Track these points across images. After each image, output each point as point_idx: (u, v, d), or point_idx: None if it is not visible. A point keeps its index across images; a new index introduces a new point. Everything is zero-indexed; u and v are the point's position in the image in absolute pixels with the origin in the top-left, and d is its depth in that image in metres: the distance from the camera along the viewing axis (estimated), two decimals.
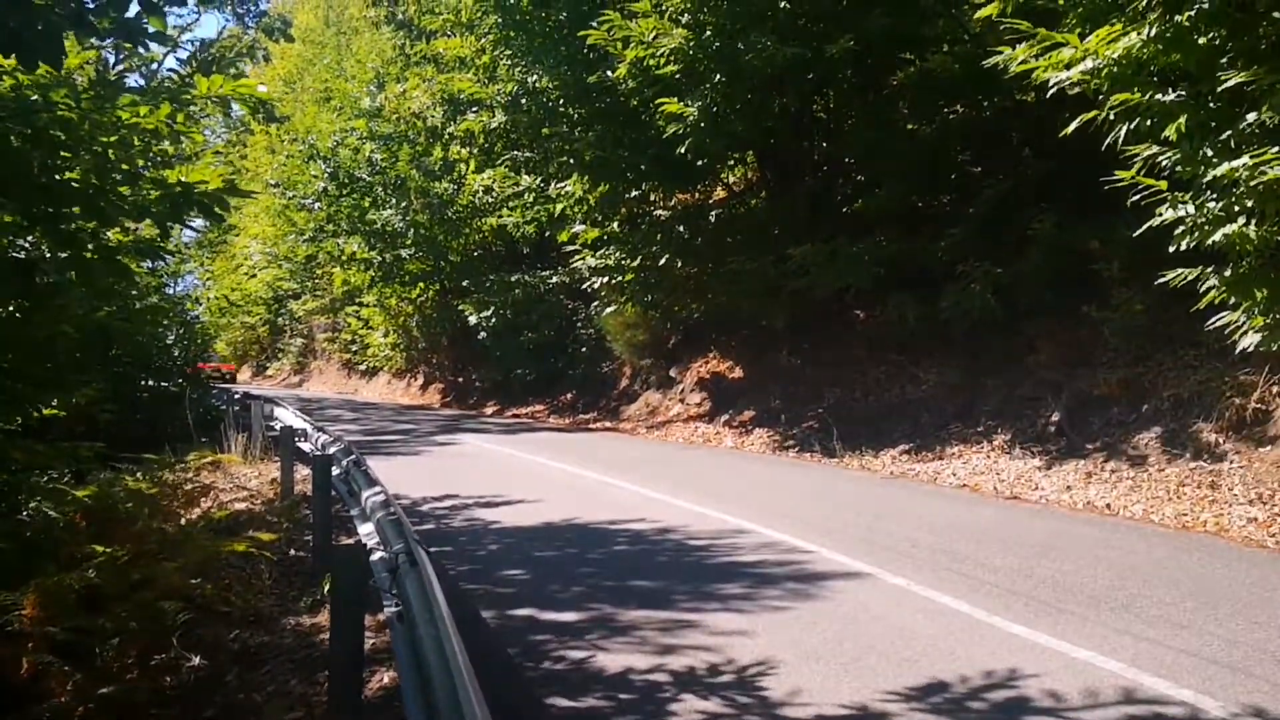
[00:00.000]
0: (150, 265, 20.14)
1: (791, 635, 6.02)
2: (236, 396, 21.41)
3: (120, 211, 5.57)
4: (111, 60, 7.45)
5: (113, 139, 6.19)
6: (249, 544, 7.47)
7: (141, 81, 6.74)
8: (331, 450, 10.37)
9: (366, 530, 6.82)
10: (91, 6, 4.83)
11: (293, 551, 9.27)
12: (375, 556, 5.74)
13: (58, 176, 5.36)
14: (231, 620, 7.23)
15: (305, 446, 11.85)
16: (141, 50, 6.67)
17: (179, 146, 8.84)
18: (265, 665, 6.38)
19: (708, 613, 6.61)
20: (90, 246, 5.58)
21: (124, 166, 5.99)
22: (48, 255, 5.80)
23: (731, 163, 20.56)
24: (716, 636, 6.07)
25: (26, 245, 6.56)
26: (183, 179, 5.87)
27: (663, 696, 5.17)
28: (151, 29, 4.91)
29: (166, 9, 5.44)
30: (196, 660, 6.34)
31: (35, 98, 5.93)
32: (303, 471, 11.79)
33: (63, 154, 5.88)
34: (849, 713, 4.81)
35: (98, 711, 5.68)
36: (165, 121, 6.48)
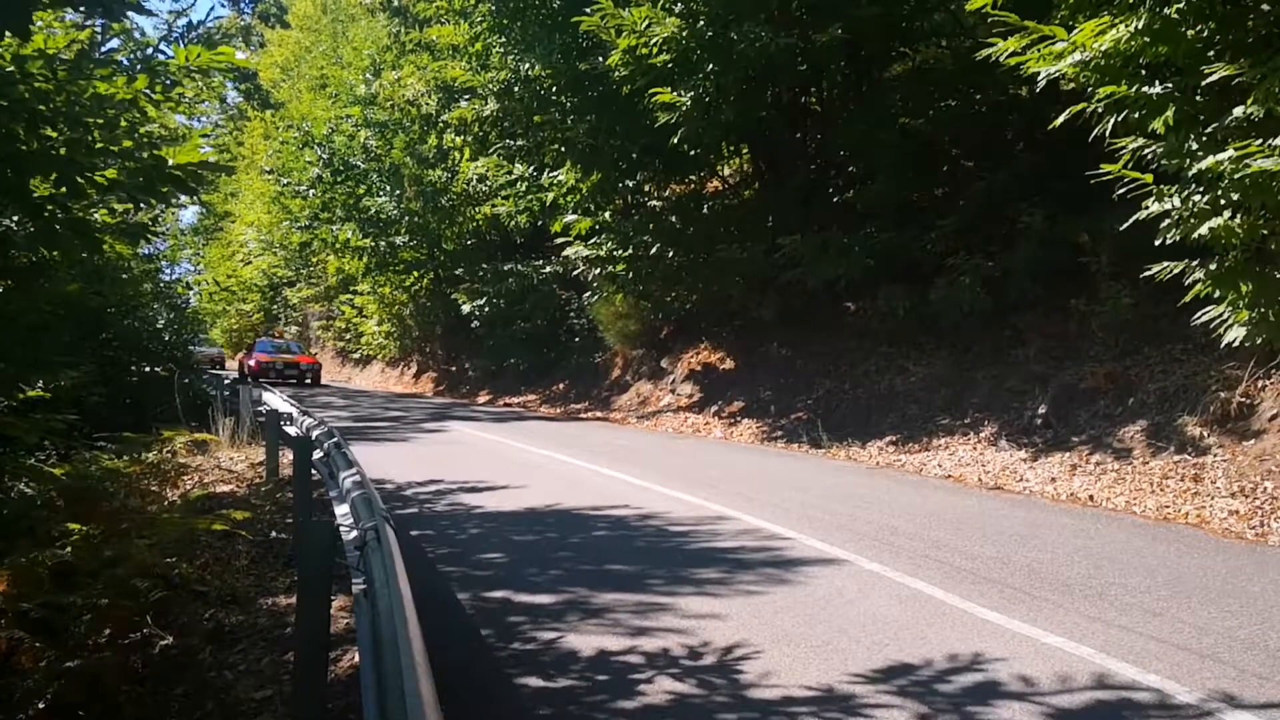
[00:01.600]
0: (145, 251, 20.13)
1: (764, 619, 6.01)
2: (227, 382, 21.37)
3: (91, 183, 5.53)
4: (99, 40, 7.37)
5: (91, 113, 6.15)
6: (223, 522, 7.43)
7: (127, 61, 6.65)
8: (315, 434, 10.36)
9: (343, 511, 6.81)
10: None
11: (274, 534, 9.24)
12: (348, 536, 5.74)
13: (27, 146, 5.32)
14: (208, 600, 7.21)
15: (291, 430, 11.83)
16: (123, 20, 6.66)
17: (164, 123, 8.81)
18: (239, 644, 6.36)
19: (682, 596, 6.60)
20: (61, 217, 5.54)
21: (98, 143, 5.94)
22: (17, 228, 5.76)
23: (726, 154, 20.54)
24: (690, 619, 6.05)
25: (10, 224, 6.54)
26: (155, 153, 5.82)
27: (634, 677, 5.15)
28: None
29: None
30: (170, 639, 6.31)
31: (11, 69, 5.90)
32: (288, 455, 11.76)
33: (41, 129, 5.85)
34: (817, 694, 4.80)
35: (68, 687, 5.66)
36: (143, 93, 6.43)
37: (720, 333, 21.43)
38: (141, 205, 6.73)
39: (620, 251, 19.56)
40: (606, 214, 20.60)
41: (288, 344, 40.55)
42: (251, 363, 35.66)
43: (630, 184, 20.51)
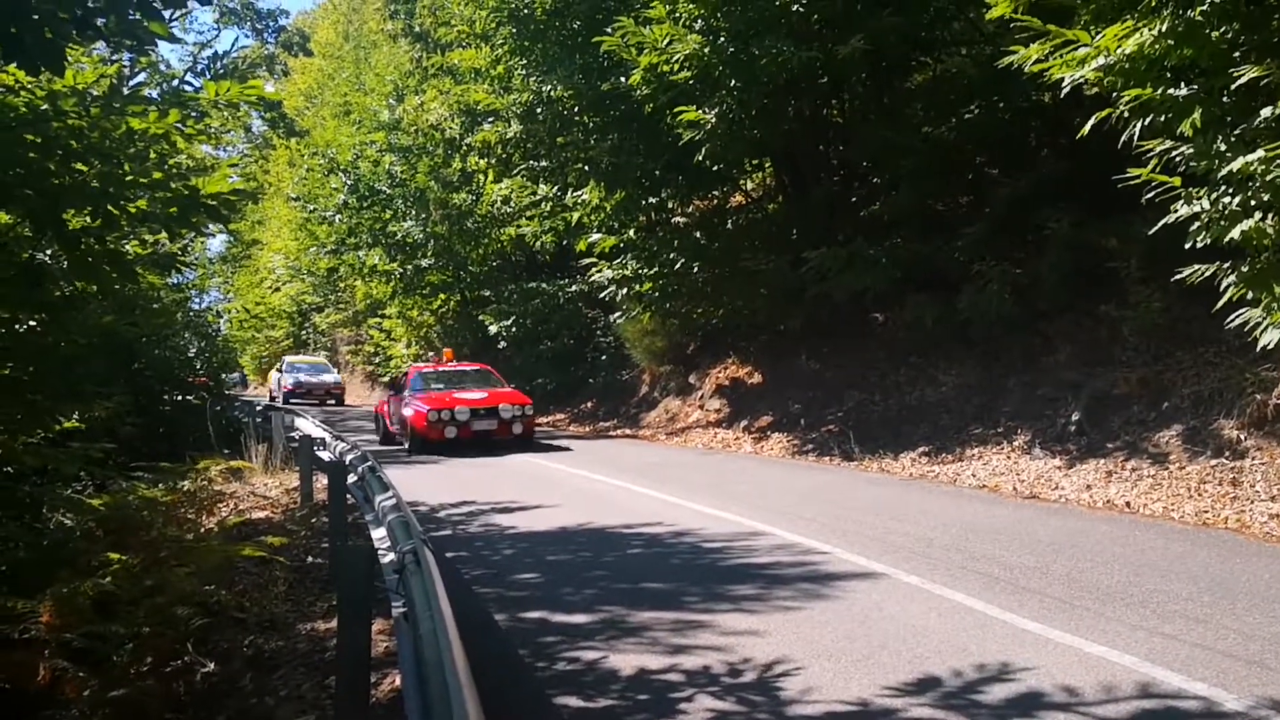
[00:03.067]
0: (175, 281, 20.34)
1: (803, 634, 5.99)
2: (259, 408, 21.52)
3: (125, 214, 5.60)
4: (127, 73, 7.48)
5: (123, 147, 6.24)
6: (260, 548, 7.49)
7: (156, 94, 6.76)
8: (348, 458, 10.43)
9: (379, 535, 6.85)
10: (92, 6, 4.85)
11: (310, 559, 9.30)
12: (386, 559, 5.77)
13: (63, 180, 5.40)
14: (247, 626, 7.25)
15: (324, 455, 11.90)
16: (150, 53, 6.75)
17: (190, 153, 8.92)
18: (279, 670, 6.39)
19: (720, 613, 6.59)
20: (96, 249, 5.62)
21: (129, 176, 6.02)
22: (51, 260, 5.84)
23: (749, 169, 20.54)
24: (728, 636, 6.04)
25: (45, 257, 6.64)
26: (187, 183, 5.90)
27: (674, 696, 5.15)
28: (154, 31, 4.92)
29: (172, 17, 5.49)
30: (211, 666, 6.35)
31: (45, 107, 5.99)
32: (322, 481, 11.83)
33: (74, 164, 5.93)
34: (860, 709, 4.78)
35: (112, 715, 5.71)
36: (175, 127, 6.52)
37: (747, 347, 21.39)
38: (175, 236, 6.81)
39: (645, 270, 19.58)
40: (631, 231, 20.63)
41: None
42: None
43: (654, 201, 20.51)
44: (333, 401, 37.45)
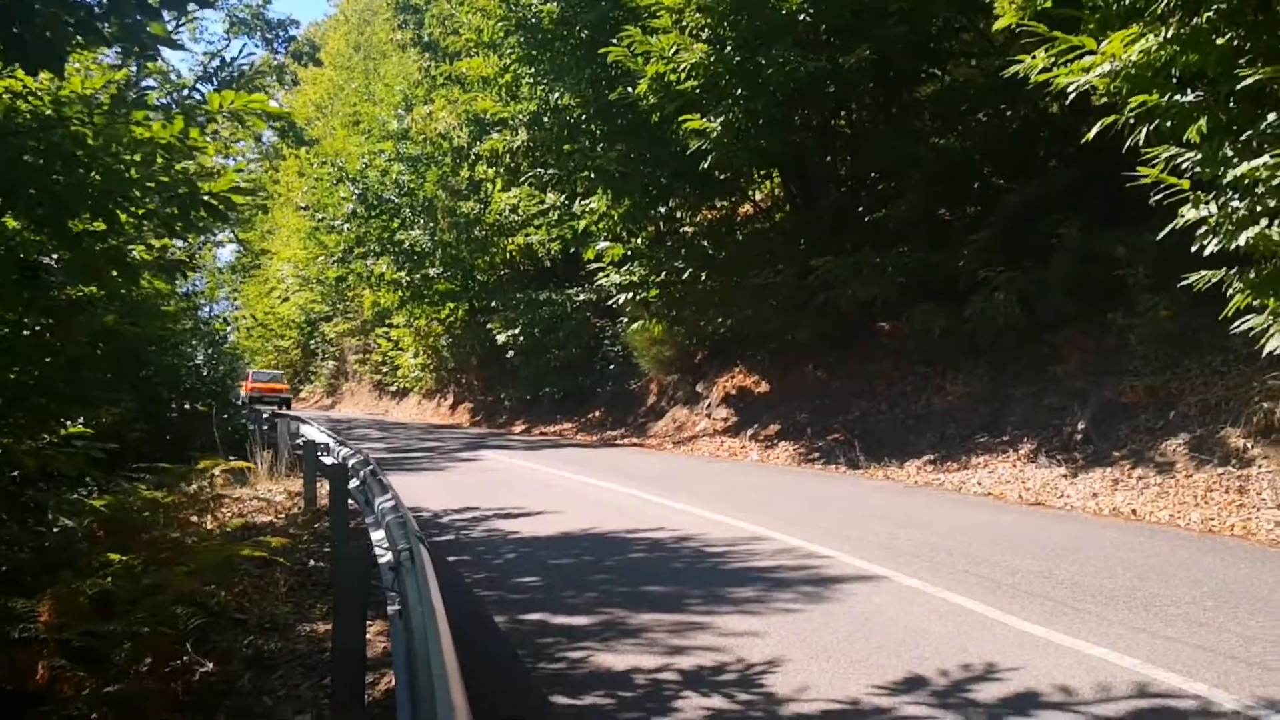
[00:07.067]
0: (184, 290, 20.41)
1: (802, 635, 5.97)
2: (265, 416, 21.56)
3: (126, 212, 5.62)
4: (134, 81, 7.51)
5: (129, 155, 6.25)
6: (260, 548, 7.49)
7: (164, 103, 6.80)
8: (351, 463, 10.42)
9: (379, 536, 6.83)
10: (96, 10, 4.88)
11: (312, 562, 9.29)
12: (383, 559, 5.75)
13: (66, 180, 5.42)
14: (247, 627, 7.24)
15: (328, 460, 11.89)
16: (155, 59, 6.79)
17: (201, 162, 8.94)
18: (278, 670, 6.38)
19: (720, 615, 6.56)
20: (98, 249, 5.63)
21: (134, 176, 6.03)
22: (56, 263, 5.86)
23: (757, 179, 20.54)
24: (727, 637, 6.01)
25: (50, 261, 6.66)
26: (187, 179, 5.92)
27: (669, 694, 5.13)
28: (155, 34, 4.95)
29: (178, 24, 5.52)
30: (210, 666, 6.35)
31: (50, 113, 6.01)
32: (326, 486, 11.83)
33: (78, 170, 5.95)
34: (855, 707, 4.75)
35: (110, 714, 5.71)
36: (178, 136, 6.54)
37: (755, 356, 21.37)
38: (179, 240, 6.84)
39: (653, 278, 19.59)
40: (639, 240, 20.65)
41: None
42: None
43: (662, 210, 20.54)
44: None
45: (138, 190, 6.11)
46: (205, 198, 5.86)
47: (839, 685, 5.04)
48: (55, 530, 7.69)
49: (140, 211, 5.94)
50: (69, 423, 7.61)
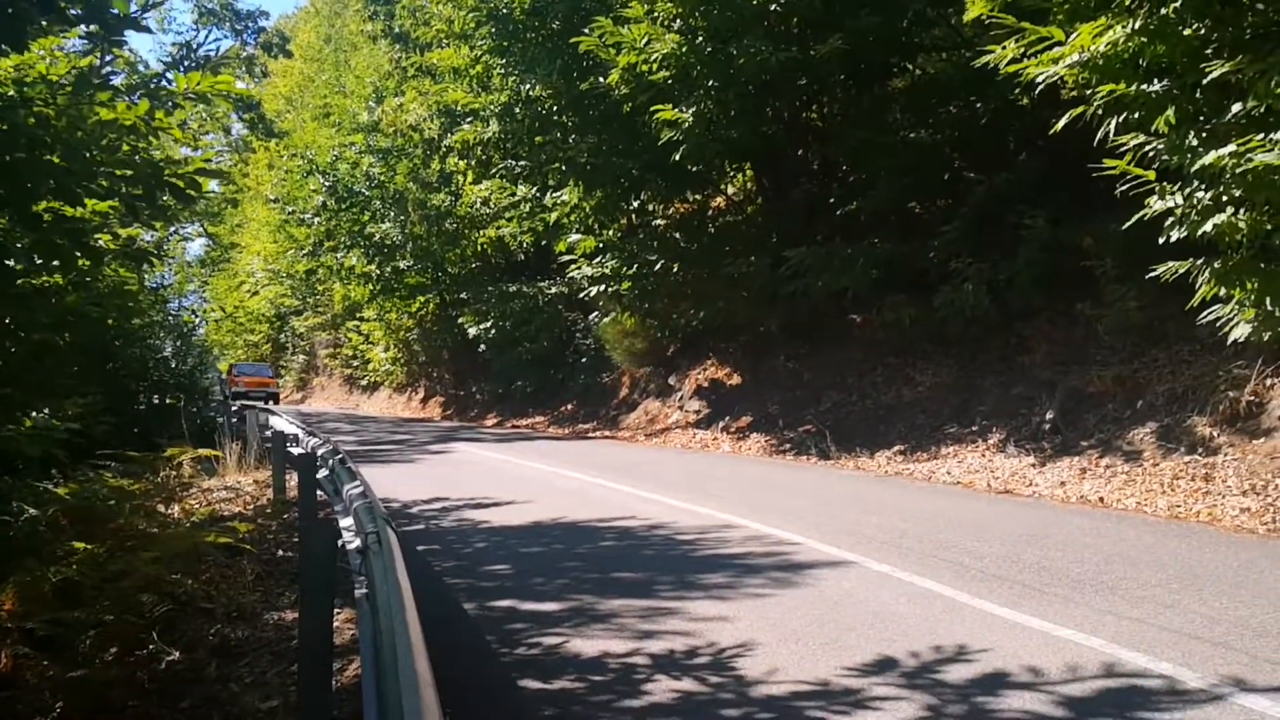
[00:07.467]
0: (153, 284, 20.23)
1: (772, 619, 5.97)
2: (234, 409, 21.42)
3: (90, 193, 5.55)
4: (99, 65, 7.42)
5: (95, 139, 6.18)
6: (227, 535, 7.43)
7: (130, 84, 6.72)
8: (320, 452, 10.36)
9: (347, 523, 6.79)
10: None
11: (280, 552, 9.23)
12: (351, 545, 5.71)
13: (27, 157, 5.34)
14: (214, 616, 7.18)
15: (296, 451, 11.81)
16: (122, 41, 6.69)
17: (167, 152, 8.85)
18: (245, 658, 6.33)
19: (690, 600, 6.56)
20: (59, 228, 5.56)
21: (98, 158, 5.96)
22: (18, 245, 5.77)
23: (729, 171, 20.54)
24: (697, 622, 6.01)
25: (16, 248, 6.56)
26: (153, 161, 5.85)
27: (640, 678, 5.12)
28: (116, 10, 4.88)
29: (143, 10, 5.45)
30: (176, 654, 6.29)
31: (12, 93, 5.93)
32: (295, 478, 11.75)
33: (40, 151, 5.87)
34: (824, 688, 4.76)
35: (74, 701, 5.64)
36: (143, 118, 6.46)
37: (727, 349, 21.40)
38: (148, 233, 6.76)
39: (625, 270, 19.55)
40: (611, 232, 20.62)
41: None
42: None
43: (634, 203, 20.51)
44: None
45: (102, 174, 6.04)
46: (171, 179, 5.79)
47: (809, 667, 5.05)
48: (20, 519, 7.60)
49: (104, 190, 5.85)
50: (34, 413, 7.52)
